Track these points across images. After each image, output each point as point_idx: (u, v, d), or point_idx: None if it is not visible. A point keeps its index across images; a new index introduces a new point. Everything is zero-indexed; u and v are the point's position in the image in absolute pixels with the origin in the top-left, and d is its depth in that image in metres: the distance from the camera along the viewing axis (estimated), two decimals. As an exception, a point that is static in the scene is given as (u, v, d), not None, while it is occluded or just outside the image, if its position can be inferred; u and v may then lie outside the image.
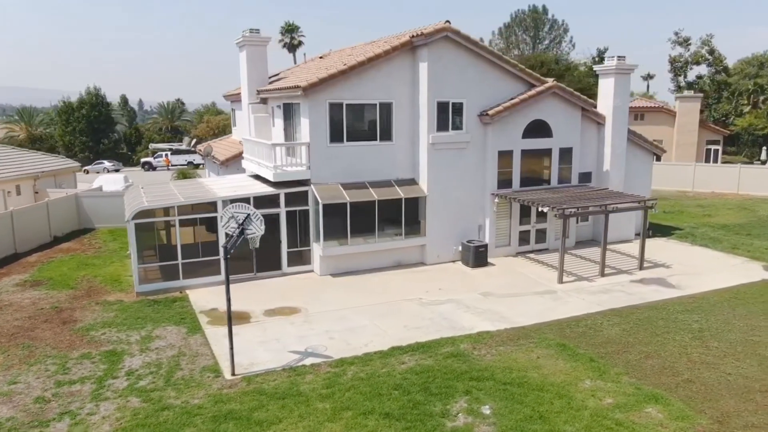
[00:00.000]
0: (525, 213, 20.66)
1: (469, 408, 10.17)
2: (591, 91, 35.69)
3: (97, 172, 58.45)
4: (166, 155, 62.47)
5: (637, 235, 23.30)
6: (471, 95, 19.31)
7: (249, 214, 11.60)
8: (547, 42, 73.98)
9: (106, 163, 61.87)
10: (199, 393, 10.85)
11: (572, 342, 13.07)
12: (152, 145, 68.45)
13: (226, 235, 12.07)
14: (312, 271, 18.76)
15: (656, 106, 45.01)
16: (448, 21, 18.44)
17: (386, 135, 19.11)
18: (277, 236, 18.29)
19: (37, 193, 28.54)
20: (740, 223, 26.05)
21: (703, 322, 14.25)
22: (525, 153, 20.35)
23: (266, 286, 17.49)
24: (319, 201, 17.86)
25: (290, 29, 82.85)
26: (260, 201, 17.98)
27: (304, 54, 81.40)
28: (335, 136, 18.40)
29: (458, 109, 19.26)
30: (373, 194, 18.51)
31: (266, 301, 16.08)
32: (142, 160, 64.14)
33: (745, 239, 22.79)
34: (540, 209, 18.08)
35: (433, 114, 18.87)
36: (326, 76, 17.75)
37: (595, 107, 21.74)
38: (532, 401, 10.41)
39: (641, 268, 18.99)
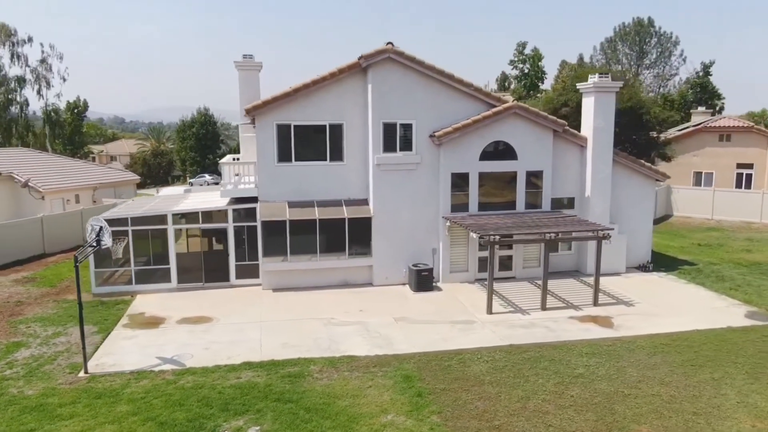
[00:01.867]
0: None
1: (239, 427, 10.28)
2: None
3: (200, 185, 64.32)
4: None
5: (638, 268, 21.31)
6: (421, 116, 19.06)
7: (102, 227, 12.70)
8: (654, 56, 69.05)
9: (207, 177, 67.81)
10: (39, 386, 12.07)
11: (424, 375, 12.50)
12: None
13: (93, 244, 13.21)
14: (260, 284, 19.55)
15: (745, 125, 40.00)
16: (390, 42, 18.47)
17: (337, 155, 19.47)
18: (226, 250, 19.37)
19: (95, 202, 32.49)
20: (781, 261, 22.56)
21: (594, 368, 12.84)
22: (484, 176, 19.55)
23: (206, 296, 18.57)
24: (258, 218, 18.66)
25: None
26: (209, 216, 19.24)
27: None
28: (283, 156, 19.14)
29: (407, 130, 19.10)
30: (315, 213, 18.93)
31: (189, 310, 17.13)
32: None
33: (763, 281, 19.75)
34: (471, 234, 17.33)
35: (379, 135, 18.91)
36: (270, 99, 18.62)
37: (570, 128, 20.28)
38: (311, 428, 10.26)
39: (595, 304, 17.37)
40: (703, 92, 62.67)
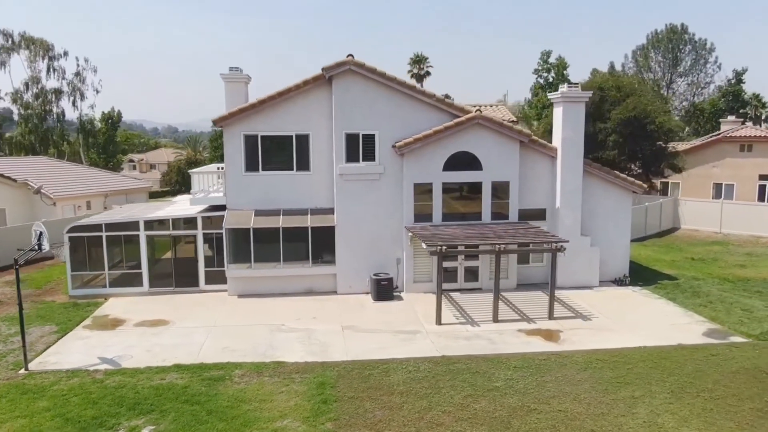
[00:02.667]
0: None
1: (136, 426, 10.70)
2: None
3: None
4: None
5: (614, 281, 20.83)
6: (384, 127, 19.25)
7: (41, 232, 13.45)
8: (688, 63, 67.06)
9: None
10: (-23, 380, 12.85)
11: (341, 382, 12.64)
12: None
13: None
14: (227, 290, 20.07)
15: (767, 135, 38.26)
16: (350, 55, 18.77)
17: (303, 165, 19.86)
18: (195, 255, 20.01)
19: (106, 208, 33.97)
20: (774, 279, 21.55)
21: (514, 381, 12.67)
22: (449, 186, 19.55)
23: (173, 300, 19.21)
24: (223, 226, 19.22)
25: (418, 60, 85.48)
26: (179, 223, 19.93)
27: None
28: (251, 166, 19.68)
29: (370, 140, 19.33)
30: (279, 222, 19.35)
31: (151, 313, 17.78)
32: None
33: (744, 298, 18.92)
34: (422, 244, 17.35)
35: (341, 145, 19.21)
36: (236, 110, 19.23)
37: (537, 139, 20.04)
38: (203, 429, 10.59)
39: (550, 317, 17.08)
40: (735, 101, 60.29)
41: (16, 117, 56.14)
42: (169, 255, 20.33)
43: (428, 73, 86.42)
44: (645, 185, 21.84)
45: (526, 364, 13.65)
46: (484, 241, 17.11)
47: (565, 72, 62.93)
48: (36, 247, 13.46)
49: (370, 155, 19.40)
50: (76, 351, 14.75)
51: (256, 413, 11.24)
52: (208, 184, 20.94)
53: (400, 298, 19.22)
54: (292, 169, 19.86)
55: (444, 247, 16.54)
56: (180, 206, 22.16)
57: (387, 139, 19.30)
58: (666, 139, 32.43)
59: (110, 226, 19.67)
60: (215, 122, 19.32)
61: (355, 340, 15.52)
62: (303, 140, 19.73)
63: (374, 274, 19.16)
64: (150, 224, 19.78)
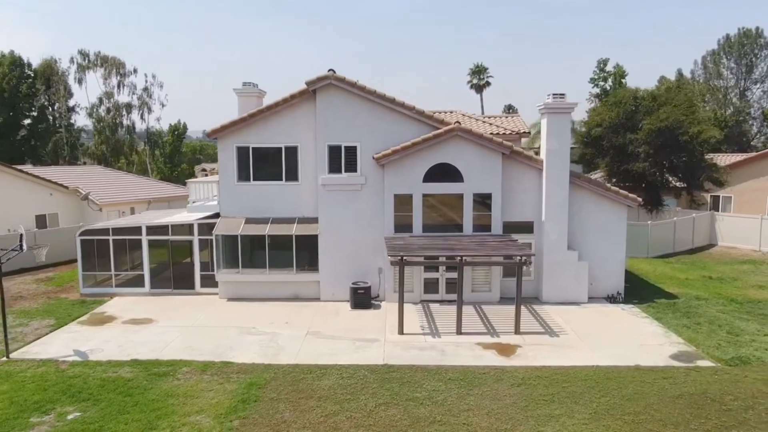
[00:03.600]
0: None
1: (64, 412, 11.75)
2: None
3: None
4: None
5: (606, 298, 20.11)
6: (366, 139, 19.72)
7: (21, 234, 14.97)
8: (765, 69, 62.83)
9: None
10: (-38, 364, 14.48)
11: (271, 384, 13.18)
12: None
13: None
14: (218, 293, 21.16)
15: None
16: (331, 69, 19.40)
17: (292, 176, 20.67)
18: (191, 260, 21.29)
19: (149, 214, 36.45)
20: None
21: (437, 393, 12.69)
22: (429, 197, 19.69)
23: (167, 301, 20.52)
24: (213, 232, 20.35)
25: (478, 71, 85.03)
26: (177, 229, 21.29)
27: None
28: (243, 176, 20.74)
29: (352, 152, 19.85)
30: (266, 229, 20.23)
31: (142, 312, 19.13)
32: None
33: (740, 321, 17.72)
34: (386, 254, 17.59)
35: (324, 157, 19.86)
36: (228, 123, 20.38)
37: (521, 150, 19.74)
38: (122, 419, 11.47)
39: (516, 332, 16.80)
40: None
41: (91, 128, 61.15)
42: (170, 259, 21.67)
43: (488, 84, 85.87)
44: (639, 199, 20.77)
45: (461, 376, 13.61)
46: (447, 253, 17.14)
47: (623, 80, 60.46)
48: (18, 248, 15.00)
49: (352, 166, 19.91)
50: (59, 343, 16.20)
51: (176, 407, 12.00)
52: (205, 194, 22.21)
53: (378, 307, 19.53)
54: (282, 180, 20.71)
55: (403, 257, 16.73)
56: (183, 214, 23.59)
57: (368, 151, 19.73)
58: (702, 151, 30.65)
59: (116, 231, 21.34)
60: (209, 135, 20.56)
61: (312, 345, 16.02)
62: (292, 152, 20.55)
63: (353, 283, 19.58)
64: (152, 230, 21.26)
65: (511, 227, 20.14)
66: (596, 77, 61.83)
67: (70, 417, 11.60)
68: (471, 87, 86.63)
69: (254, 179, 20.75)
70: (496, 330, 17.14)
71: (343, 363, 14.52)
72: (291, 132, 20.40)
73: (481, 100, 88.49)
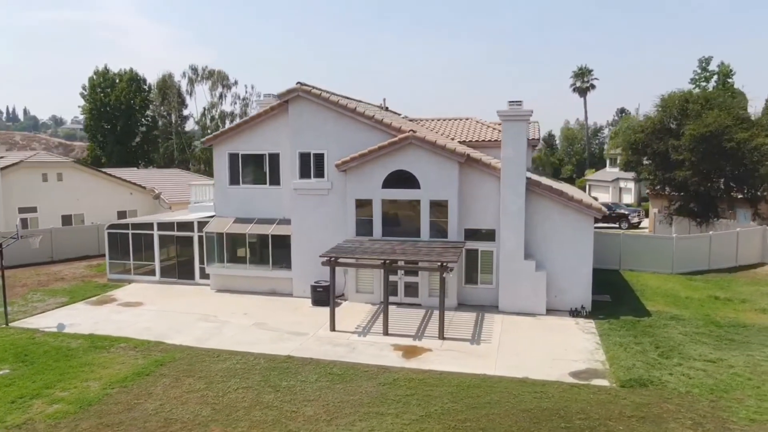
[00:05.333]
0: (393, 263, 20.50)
1: (1, 368, 14.51)
2: None
3: None
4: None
5: (570, 311, 19.51)
6: (332, 146, 20.95)
7: (16, 225, 18.29)
8: None
9: None
10: (-29, 327, 18.10)
11: (174, 363, 15.00)
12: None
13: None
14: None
15: None
16: (299, 82, 20.87)
17: (275, 180, 22.50)
18: (192, 254, 23.95)
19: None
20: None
21: (300, 384, 13.68)
22: (387, 203, 20.42)
23: (168, 289, 23.33)
24: (204, 230, 22.78)
25: (581, 73, 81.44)
26: (182, 226, 24.05)
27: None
28: (233, 180, 22.98)
29: (320, 158, 21.18)
30: (247, 229, 22.26)
31: (141, 297, 22.04)
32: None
33: (698, 344, 16.31)
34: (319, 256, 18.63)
35: (295, 163, 21.41)
36: (219, 132, 22.78)
37: (476, 158, 19.70)
38: (42, 376, 13.95)
39: (440, 337, 17.08)
40: None
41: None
42: (177, 252, 24.53)
43: (592, 86, 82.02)
44: (605, 210, 19.51)
45: (343, 372, 14.42)
46: (376, 257, 17.85)
47: (729, 80, 54.71)
48: (16, 236, 18.39)
49: (320, 172, 21.25)
50: (53, 317, 19.43)
51: (83, 373, 14.26)
52: (204, 195, 24.77)
53: (338, 305, 20.63)
54: (266, 184, 22.62)
55: (334, 258, 17.76)
56: (188, 213, 26.25)
57: (335, 158, 20.92)
58: (757, 160, 27.63)
59: (135, 226, 24.65)
60: (204, 143, 23.06)
61: (246, 334, 17.65)
62: (274, 158, 22.37)
63: (315, 282, 20.88)
64: (161, 226, 24.25)
65: (474, 234, 20.21)
66: (697, 77, 56.70)
67: (0, 372, 14.32)
68: (574, 90, 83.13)
69: (243, 183, 22.89)
70: (424, 334, 17.52)
71: (253, 351, 15.96)
72: (274, 140, 22.22)
73: (585, 104, 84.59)
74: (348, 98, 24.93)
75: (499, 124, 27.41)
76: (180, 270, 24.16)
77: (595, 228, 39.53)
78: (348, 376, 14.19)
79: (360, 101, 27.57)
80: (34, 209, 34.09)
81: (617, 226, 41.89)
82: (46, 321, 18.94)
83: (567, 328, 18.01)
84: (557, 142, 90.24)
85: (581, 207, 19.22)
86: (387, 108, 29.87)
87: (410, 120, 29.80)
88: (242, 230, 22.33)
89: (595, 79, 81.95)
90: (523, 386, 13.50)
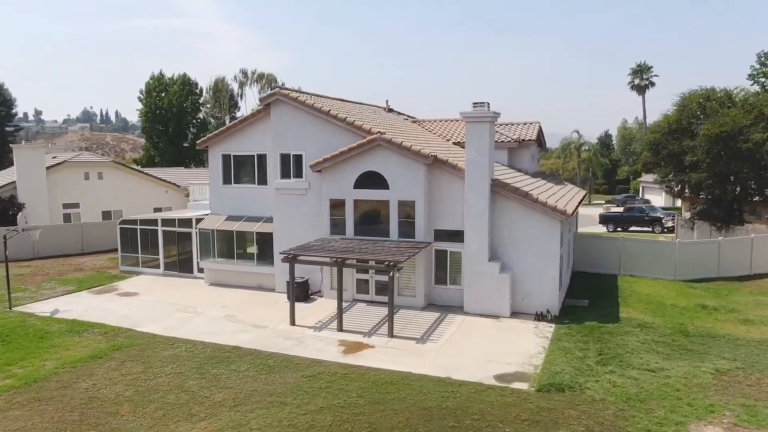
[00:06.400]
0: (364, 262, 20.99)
1: (-21, 346, 16.29)
2: None
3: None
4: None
5: (535, 315, 19.35)
6: (309, 148, 21.69)
7: (18, 218, 20.23)
8: None
9: None
10: (-21, 310, 20.25)
11: (131, 349, 16.26)
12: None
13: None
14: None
15: None
16: (278, 87, 21.73)
17: (263, 180, 23.56)
18: (190, 249, 25.44)
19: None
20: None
21: (229, 372, 14.51)
22: (360, 203, 20.91)
23: (167, 281, 24.93)
24: (197, 226, 24.16)
25: (640, 70, 78.16)
26: (182, 223, 25.59)
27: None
28: (226, 179, 24.26)
29: (299, 159, 21.99)
30: (234, 226, 23.44)
31: (139, 288, 23.75)
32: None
33: (645, 353, 15.81)
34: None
35: (276, 164, 22.33)
36: (212, 135, 24.11)
37: (443, 159, 19.80)
38: (9, 355, 15.57)
39: (389, 335, 17.46)
40: None
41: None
42: (182, 247, 26.12)
43: (651, 84, 78.71)
44: (568, 212, 18.88)
45: (275, 363, 15.14)
46: (329, 255, 18.42)
47: (791, 75, 50.74)
48: (19, 230, 20.40)
49: (299, 173, 22.06)
50: (53, 304, 21.33)
51: (48, 353, 15.78)
52: (202, 194, 26.18)
53: (313, 300, 21.39)
54: (255, 183, 23.72)
55: (294, 255, 18.51)
56: (191, 211, 27.70)
57: (312, 159, 21.59)
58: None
59: (142, 222, 26.46)
60: (200, 144, 24.44)
61: (212, 325, 18.72)
62: (262, 159, 23.42)
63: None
64: (164, 222, 25.90)
65: (444, 235, 20.37)
66: (755, 72, 53.00)
67: (-25, 349, 16.10)
68: (632, 88, 79.74)
69: (234, 182, 24.11)
70: (376, 332, 17.92)
71: (207, 341, 16.97)
72: (262, 141, 23.25)
73: (644, 102, 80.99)
74: (343, 100, 25.71)
75: (503, 125, 27.41)
76: (180, 264, 25.73)
77: (629, 232, 38.65)
78: (278, 367, 14.88)
79: (361, 103, 28.25)
80: (76, 205, 37.14)
81: (650, 230, 40.24)
82: (45, 307, 20.84)
83: (523, 332, 17.85)
84: (614, 141, 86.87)
85: (546, 209, 18.92)
86: (390, 109, 30.33)
87: (413, 121, 30.14)
88: (231, 227, 23.52)
89: (655, 76, 78.49)
90: (438, 385, 13.67)
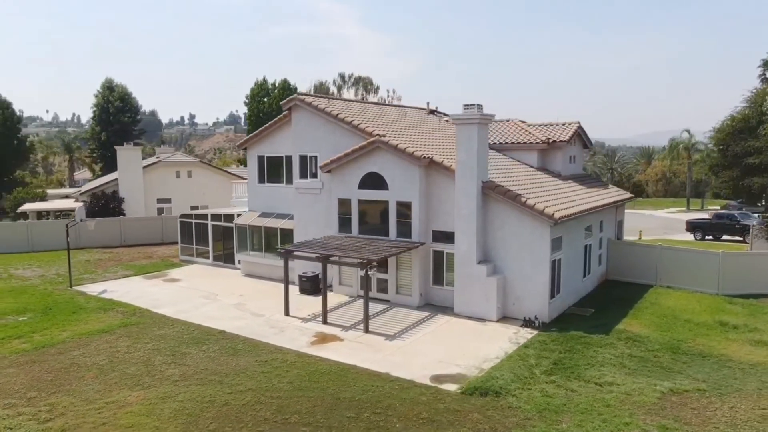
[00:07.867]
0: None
1: (26, 314, 19.46)
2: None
3: None
4: None
5: (523, 320, 19.09)
6: (323, 149, 22.91)
7: (75, 210, 23.60)
8: None
9: None
10: (49, 287, 23.94)
11: (137, 327, 18.55)
12: None
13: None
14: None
15: None
16: (298, 92, 23.13)
17: (290, 180, 25.20)
18: (233, 242, 27.81)
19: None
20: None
21: (200, 352, 16.11)
22: (363, 202, 21.71)
23: (211, 270, 27.51)
24: (234, 222, 26.39)
25: (774, 60, 69.68)
26: (228, 218, 28.05)
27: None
28: (261, 179, 26.29)
29: (314, 161, 23.30)
30: (263, 222, 25.34)
31: (183, 275, 26.53)
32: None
33: (612, 367, 15.00)
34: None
35: (297, 164, 23.83)
36: (248, 138, 26.23)
37: (438, 161, 19.93)
38: (47, 322, 18.57)
39: (365, 331, 18.15)
40: None
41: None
42: (227, 240, 28.58)
43: (786, 76, 69.49)
44: (556, 216, 17.81)
45: (244, 347, 16.56)
46: (316, 252, 19.45)
47: None
48: (78, 221, 23.83)
49: (314, 173, 23.37)
50: (106, 286, 24.54)
51: (69, 325, 18.50)
52: (243, 192, 28.36)
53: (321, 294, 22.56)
54: (283, 183, 25.45)
55: (289, 251, 19.85)
56: (234, 208, 29.91)
57: (324, 160, 22.85)
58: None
59: (197, 216, 29.36)
60: (239, 146, 26.66)
61: (218, 312, 20.60)
62: (290, 160, 25.05)
63: (302, 272, 23.06)
64: (214, 217, 28.55)
65: (441, 236, 20.57)
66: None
67: (21, 318, 19.28)
68: (762, 81, 71.11)
69: (268, 182, 26.02)
70: (356, 327, 18.66)
71: (203, 324, 18.83)
72: (288, 144, 24.90)
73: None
74: (373, 103, 26.64)
75: (532, 126, 26.78)
76: (225, 256, 28.22)
77: (719, 241, 35.89)
78: (243, 351, 16.25)
79: (397, 105, 28.92)
80: (168, 200, 41.75)
81: (742, 239, 36.31)
82: (97, 287, 24.12)
83: (498, 337, 17.61)
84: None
85: (534, 213, 18.42)
86: (432, 111, 30.64)
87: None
88: (261, 223, 25.46)
89: (791, 67, 69.34)
90: (370, 380, 14.19)
